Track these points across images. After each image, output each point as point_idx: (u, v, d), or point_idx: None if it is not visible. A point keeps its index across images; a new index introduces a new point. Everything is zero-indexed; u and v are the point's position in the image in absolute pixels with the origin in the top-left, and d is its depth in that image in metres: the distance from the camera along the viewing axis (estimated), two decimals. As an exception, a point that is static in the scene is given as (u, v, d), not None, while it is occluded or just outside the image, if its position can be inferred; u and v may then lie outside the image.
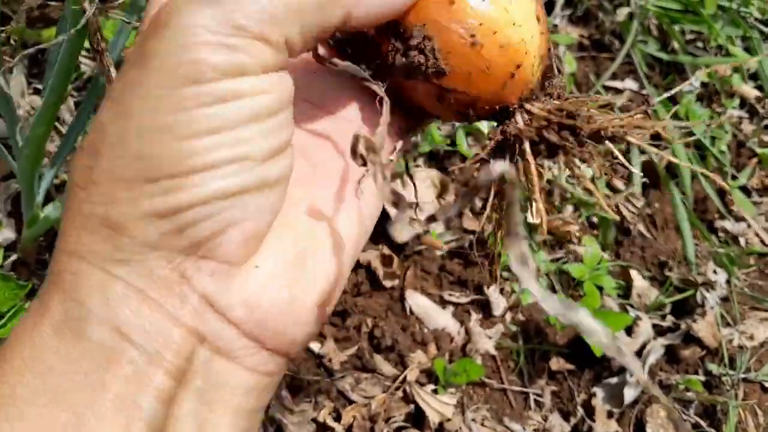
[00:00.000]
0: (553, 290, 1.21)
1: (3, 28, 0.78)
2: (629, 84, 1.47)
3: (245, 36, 0.33)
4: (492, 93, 0.40)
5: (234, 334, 0.35)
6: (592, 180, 0.43)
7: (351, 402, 1.06)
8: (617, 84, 1.47)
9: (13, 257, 1.03)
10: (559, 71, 0.43)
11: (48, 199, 0.97)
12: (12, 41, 0.89)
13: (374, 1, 0.36)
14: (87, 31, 0.58)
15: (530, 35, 0.39)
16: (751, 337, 1.23)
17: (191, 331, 0.34)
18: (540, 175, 0.42)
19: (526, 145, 0.41)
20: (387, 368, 1.10)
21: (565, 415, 1.12)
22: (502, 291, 1.19)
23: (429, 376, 1.11)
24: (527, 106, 0.41)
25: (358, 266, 1.18)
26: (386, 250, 1.21)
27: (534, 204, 0.42)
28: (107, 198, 0.33)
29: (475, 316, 1.17)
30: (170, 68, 0.32)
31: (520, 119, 0.40)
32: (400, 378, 1.09)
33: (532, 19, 0.39)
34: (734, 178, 1.41)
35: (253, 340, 0.36)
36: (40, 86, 1.18)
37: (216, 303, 0.34)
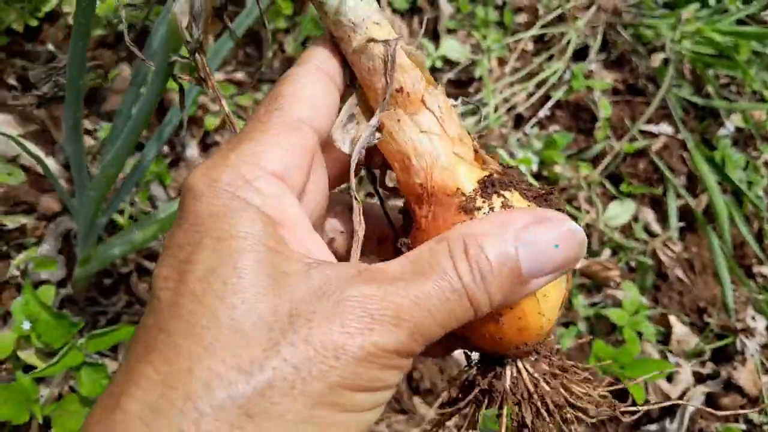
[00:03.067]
0: (592, 333, 1.21)
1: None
2: (664, 128, 1.48)
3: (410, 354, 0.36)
4: (494, 347, 0.43)
5: None
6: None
7: (391, 445, 1.06)
8: (652, 128, 1.48)
9: (63, 294, 1.06)
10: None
11: (99, 239, 0.99)
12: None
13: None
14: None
15: (549, 320, 0.42)
16: (792, 386, 1.22)
17: None
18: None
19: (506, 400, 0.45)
20: (426, 411, 1.10)
21: (605, 463, 1.11)
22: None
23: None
24: (519, 364, 0.44)
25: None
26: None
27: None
28: None
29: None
30: (344, 379, 0.33)
31: (509, 376, 0.44)
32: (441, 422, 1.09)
33: (558, 308, 0.42)
34: (771, 223, 1.40)
35: None
36: (89, 126, 1.22)
37: None
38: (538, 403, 0.43)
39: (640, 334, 1.18)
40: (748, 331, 1.25)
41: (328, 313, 0.33)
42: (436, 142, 0.42)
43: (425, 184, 0.42)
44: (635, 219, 1.36)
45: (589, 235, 1.29)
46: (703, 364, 1.22)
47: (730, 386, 1.19)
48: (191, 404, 0.31)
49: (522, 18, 1.61)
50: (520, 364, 0.44)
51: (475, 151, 0.44)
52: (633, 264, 1.30)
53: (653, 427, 1.14)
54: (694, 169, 1.42)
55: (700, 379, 1.20)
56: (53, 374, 0.88)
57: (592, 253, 1.29)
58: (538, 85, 1.48)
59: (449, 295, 0.35)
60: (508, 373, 0.44)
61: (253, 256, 0.34)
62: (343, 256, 0.46)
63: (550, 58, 1.54)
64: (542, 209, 0.40)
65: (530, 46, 1.57)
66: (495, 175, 0.42)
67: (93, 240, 0.95)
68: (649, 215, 1.39)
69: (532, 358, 0.44)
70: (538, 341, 0.43)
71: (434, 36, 1.55)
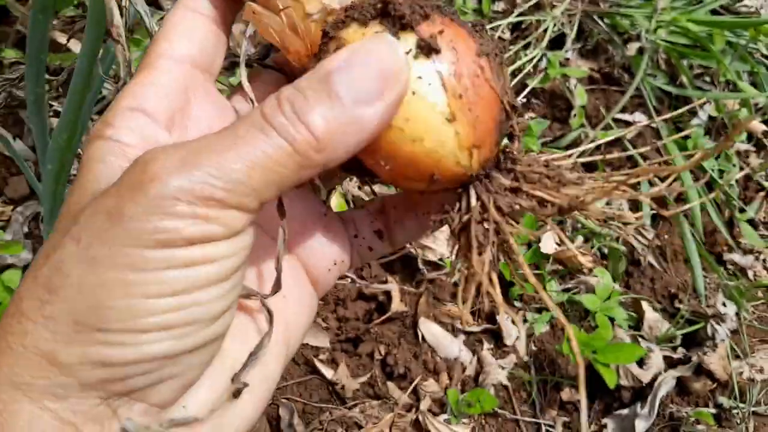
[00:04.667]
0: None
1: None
2: (639, 117, 1.50)
3: (221, 207, 0.34)
4: (423, 189, 0.41)
5: None
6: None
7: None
8: (627, 117, 1.49)
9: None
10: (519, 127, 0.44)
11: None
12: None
13: (340, 155, 0.36)
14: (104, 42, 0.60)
15: (439, 140, 0.38)
16: (761, 370, 1.23)
17: None
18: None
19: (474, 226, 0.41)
20: (400, 396, 1.10)
21: (577, 447, 1.12)
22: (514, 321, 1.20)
23: (441, 405, 1.11)
24: (470, 191, 0.41)
25: (371, 295, 1.19)
26: (398, 279, 1.21)
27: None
28: (58, 337, 0.33)
29: (487, 345, 1.18)
30: (144, 233, 0.33)
31: (465, 204, 0.41)
32: (413, 406, 1.09)
33: (438, 125, 0.38)
34: (742, 211, 1.42)
35: None
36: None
37: None
38: (490, 225, 0.40)
39: (612, 320, 1.19)
40: (719, 317, 1.26)
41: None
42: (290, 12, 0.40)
43: (295, 59, 0.41)
44: (608, 205, 1.37)
45: (561, 222, 1.30)
46: (674, 349, 1.23)
47: (701, 371, 1.20)
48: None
49: (500, 6, 1.61)
50: (471, 191, 0.40)
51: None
52: (606, 251, 1.31)
53: (625, 411, 1.15)
54: (667, 157, 1.44)
55: (671, 363, 1.21)
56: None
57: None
58: (515, 73, 1.48)
59: (256, 134, 0.34)
60: (463, 203, 0.41)
61: (100, 172, 0.37)
62: None
63: (527, 46, 1.54)
64: (362, 42, 0.37)
65: (507, 34, 1.57)
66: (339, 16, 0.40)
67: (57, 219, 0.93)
68: (622, 202, 1.40)
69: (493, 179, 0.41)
70: (459, 169, 0.39)
71: (411, 22, 1.54)
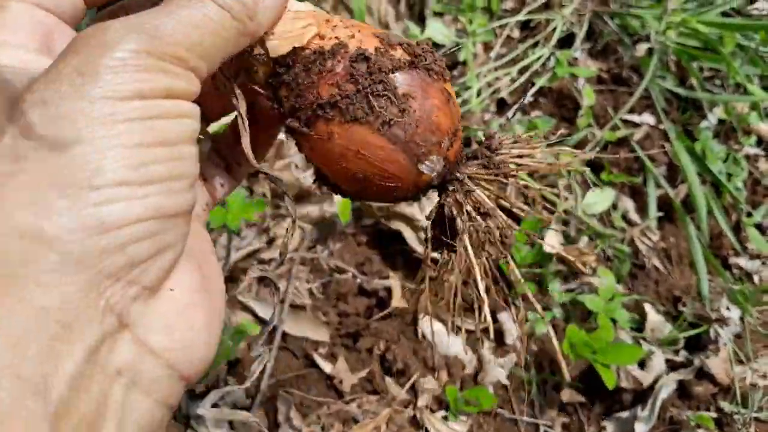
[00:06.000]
0: (567, 319, 1.21)
1: None
2: (647, 118, 1.48)
3: (184, 66, 0.35)
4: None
5: (153, 364, 0.34)
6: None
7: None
8: (635, 118, 1.48)
9: None
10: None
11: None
12: None
13: (266, 22, 0.40)
14: None
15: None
16: (764, 376, 1.22)
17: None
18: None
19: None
20: (398, 392, 1.10)
21: (576, 448, 1.12)
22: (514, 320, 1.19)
23: (440, 402, 1.10)
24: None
25: (372, 291, 1.19)
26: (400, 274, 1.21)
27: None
28: (40, 207, 0.29)
29: (487, 344, 1.17)
30: (122, 84, 0.32)
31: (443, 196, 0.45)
32: (411, 403, 1.08)
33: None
34: (749, 215, 1.41)
35: (169, 367, 0.35)
36: None
37: (138, 334, 0.33)
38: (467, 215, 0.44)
39: (614, 321, 1.18)
40: (722, 321, 1.25)
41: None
42: None
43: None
44: (614, 207, 1.36)
45: (567, 222, 1.29)
46: (676, 352, 1.22)
47: (703, 375, 1.19)
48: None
49: (509, 4, 1.60)
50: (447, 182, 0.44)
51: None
52: (610, 252, 1.30)
53: (625, 414, 1.14)
54: (674, 159, 1.42)
55: (673, 366, 1.20)
56: None
57: (569, 240, 1.29)
58: (522, 71, 1.47)
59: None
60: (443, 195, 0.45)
61: None
62: None
63: (536, 44, 1.53)
64: None
65: (516, 33, 1.57)
66: None
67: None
68: (628, 204, 1.39)
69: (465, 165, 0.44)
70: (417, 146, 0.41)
71: (420, 19, 1.54)
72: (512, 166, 0.44)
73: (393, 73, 0.41)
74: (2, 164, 0.30)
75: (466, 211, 0.43)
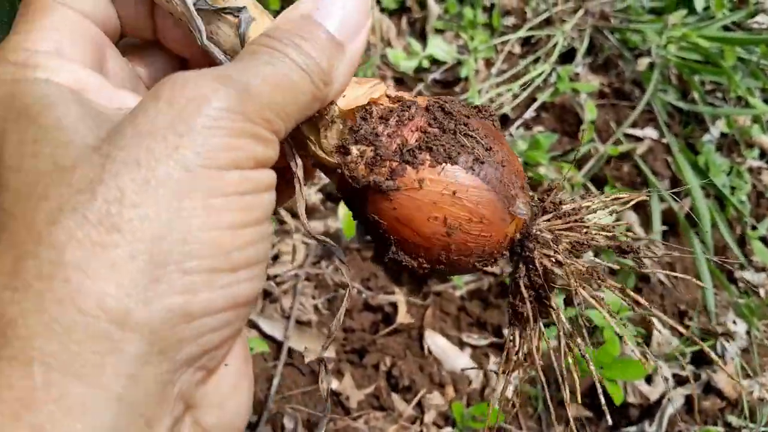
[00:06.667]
0: (572, 336, 1.20)
1: None
2: (649, 132, 1.49)
3: (270, 129, 0.32)
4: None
5: None
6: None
7: (367, 442, 1.06)
8: (637, 132, 1.48)
9: None
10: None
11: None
12: None
13: (339, 87, 0.38)
14: None
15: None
16: (772, 390, 1.22)
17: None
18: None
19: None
20: (404, 408, 1.09)
21: (583, 464, 1.11)
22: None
23: (446, 418, 1.10)
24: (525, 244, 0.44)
25: (377, 306, 1.19)
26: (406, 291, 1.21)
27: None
28: (129, 290, 0.27)
29: (493, 359, 1.17)
30: (215, 149, 0.29)
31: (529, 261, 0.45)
32: (418, 419, 1.08)
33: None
34: (754, 228, 1.41)
35: None
36: None
37: (196, 416, 0.33)
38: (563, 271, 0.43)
39: (620, 336, 1.17)
40: (729, 335, 1.25)
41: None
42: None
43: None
44: (618, 221, 1.36)
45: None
46: (683, 367, 1.22)
47: (710, 389, 1.19)
48: (50, 250, 0.27)
49: (510, 21, 1.62)
50: (527, 244, 0.43)
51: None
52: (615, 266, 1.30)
53: (632, 429, 1.13)
54: (677, 173, 1.43)
55: (679, 381, 1.19)
56: None
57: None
58: (524, 87, 1.48)
59: (274, 63, 0.34)
60: (525, 260, 0.44)
61: (67, 111, 0.31)
62: None
63: (537, 60, 1.54)
64: None
65: (517, 48, 1.58)
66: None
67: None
68: (632, 218, 1.39)
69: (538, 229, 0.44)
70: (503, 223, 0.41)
71: (422, 36, 1.55)
72: (581, 217, 0.44)
73: (468, 118, 0.40)
74: (96, 232, 0.27)
75: (557, 260, 0.42)
